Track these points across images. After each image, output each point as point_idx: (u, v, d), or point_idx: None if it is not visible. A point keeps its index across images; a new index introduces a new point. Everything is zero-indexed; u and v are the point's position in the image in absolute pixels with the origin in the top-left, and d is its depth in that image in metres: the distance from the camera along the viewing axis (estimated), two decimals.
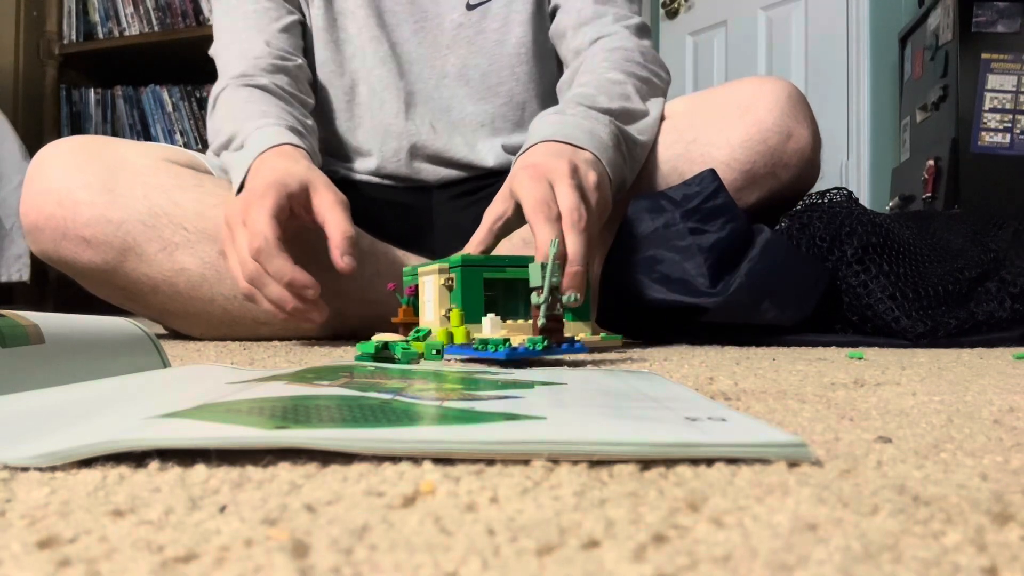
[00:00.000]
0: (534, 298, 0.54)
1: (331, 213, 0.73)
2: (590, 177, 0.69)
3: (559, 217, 0.63)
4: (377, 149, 1.03)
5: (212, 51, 0.99)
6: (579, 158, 0.71)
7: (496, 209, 0.70)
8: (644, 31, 0.97)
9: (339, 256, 0.71)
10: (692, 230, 0.76)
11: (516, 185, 0.67)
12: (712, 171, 0.78)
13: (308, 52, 1.03)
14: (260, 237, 0.69)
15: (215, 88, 0.94)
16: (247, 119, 0.86)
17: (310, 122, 0.93)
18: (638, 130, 0.85)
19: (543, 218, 0.62)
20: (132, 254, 0.84)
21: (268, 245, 0.69)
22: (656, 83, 0.92)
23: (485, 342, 0.53)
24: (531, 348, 0.51)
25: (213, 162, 0.95)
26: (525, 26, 1.00)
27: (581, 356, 0.62)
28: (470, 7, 1.00)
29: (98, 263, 0.84)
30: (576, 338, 0.63)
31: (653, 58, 0.94)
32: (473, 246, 0.69)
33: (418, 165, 1.02)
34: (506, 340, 0.53)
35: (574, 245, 0.61)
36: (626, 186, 0.84)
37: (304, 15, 1.01)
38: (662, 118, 0.91)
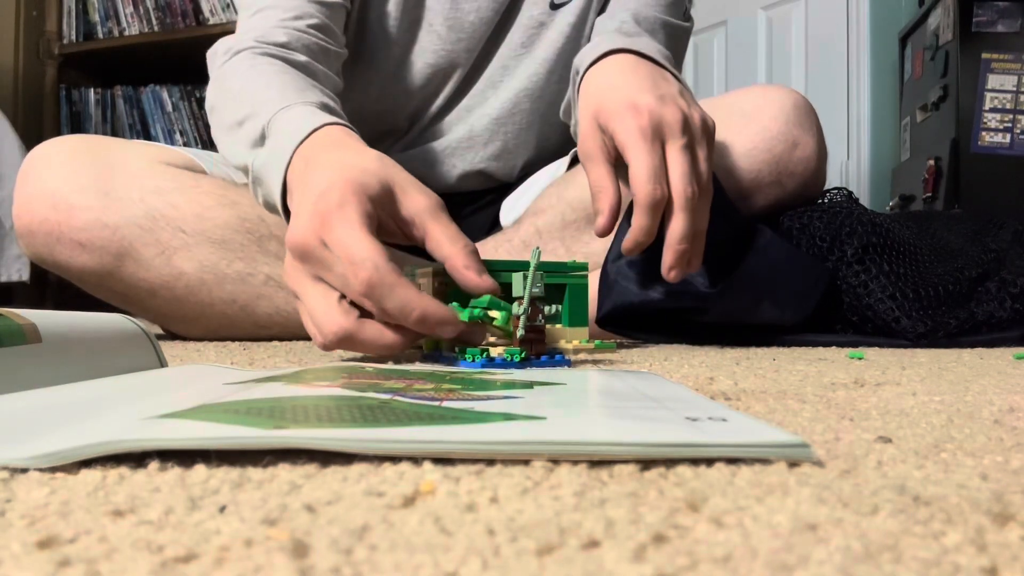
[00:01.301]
0: (514, 308, 0.53)
1: (435, 222, 0.54)
2: (696, 118, 0.64)
3: (667, 199, 0.60)
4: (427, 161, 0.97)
5: (241, 2, 0.85)
6: (672, 88, 0.65)
7: (596, 142, 0.65)
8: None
9: (474, 276, 0.53)
10: None
11: (621, 133, 0.62)
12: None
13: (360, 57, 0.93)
14: (368, 265, 0.49)
15: (227, 45, 0.78)
16: (267, 97, 0.67)
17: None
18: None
19: (648, 204, 0.60)
20: (129, 259, 0.82)
21: (383, 274, 0.49)
22: None
23: (463, 351, 0.53)
24: (508, 360, 0.51)
25: (209, 156, 0.90)
26: (590, 23, 0.93)
27: (583, 356, 0.62)
28: (554, 6, 0.92)
29: (94, 267, 0.82)
30: (571, 344, 0.63)
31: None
32: (607, 204, 0.64)
33: (437, 175, 0.98)
34: (484, 350, 0.52)
35: (679, 224, 0.60)
36: None
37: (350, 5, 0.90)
38: None
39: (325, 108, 0.66)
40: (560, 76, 0.94)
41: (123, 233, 0.82)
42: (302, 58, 0.77)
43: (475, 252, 0.54)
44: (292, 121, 0.63)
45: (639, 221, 0.61)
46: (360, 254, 0.49)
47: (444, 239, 0.54)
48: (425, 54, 0.93)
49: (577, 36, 0.94)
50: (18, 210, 0.83)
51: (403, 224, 0.55)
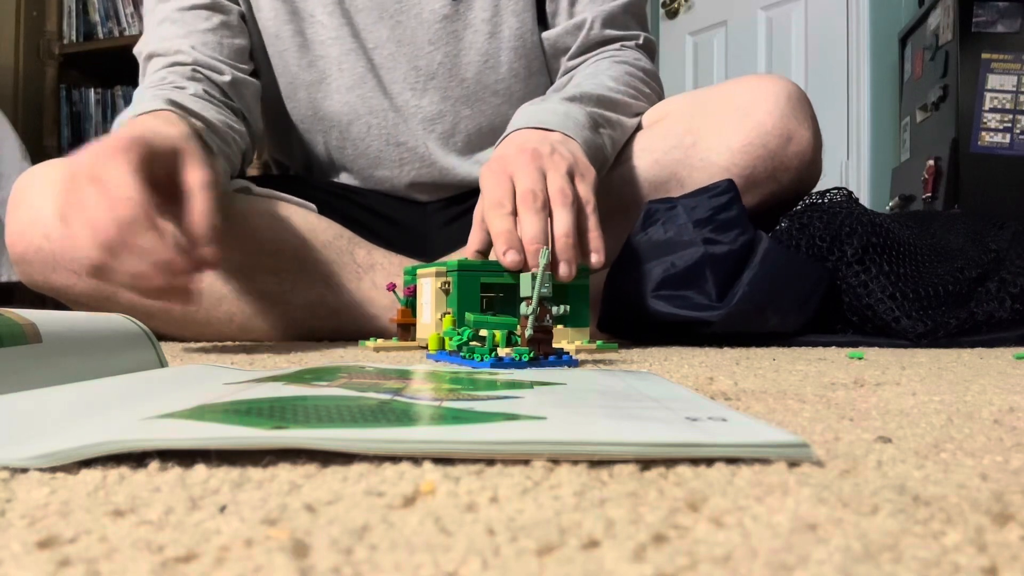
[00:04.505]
0: (522, 308, 0.53)
1: (201, 193, 0.61)
2: (551, 154, 0.68)
3: (514, 211, 0.62)
4: (363, 176, 1.01)
5: (136, 49, 0.91)
6: (546, 142, 0.70)
7: (480, 208, 0.70)
8: (649, 48, 0.97)
9: (202, 223, 0.60)
10: (705, 240, 0.75)
11: (481, 183, 0.67)
12: (730, 181, 0.78)
13: (256, 52, 0.95)
14: (127, 203, 0.54)
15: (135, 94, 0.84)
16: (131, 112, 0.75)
17: (234, 126, 0.83)
18: (618, 116, 0.85)
19: (496, 214, 0.62)
20: None
21: (141, 212, 0.54)
22: (653, 97, 0.94)
23: (472, 350, 0.53)
24: (517, 359, 0.51)
25: None
26: (520, 15, 0.93)
27: (585, 356, 0.62)
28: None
29: (91, 292, 0.80)
30: (573, 344, 0.63)
31: (654, 76, 0.95)
32: (471, 248, 0.68)
33: (413, 190, 1.01)
34: (492, 349, 0.52)
35: (530, 226, 0.61)
36: (607, 165, 0.83)
37: (245, 6, 0.93)
38: (663, 117, 0.91)
39: (171, 103, 0.74)
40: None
41: None
42: (201, 91, 0.83)
43: (219, 231, 0.60)
44: (137, 108, 0.72)
45: (491, 228, 0.64)
46: (124, 192, 0.54)
47: (199, 210, 0.60)
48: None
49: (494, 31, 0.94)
50: (11, 238, 0.80)
51: (182, 186, 0.61)
